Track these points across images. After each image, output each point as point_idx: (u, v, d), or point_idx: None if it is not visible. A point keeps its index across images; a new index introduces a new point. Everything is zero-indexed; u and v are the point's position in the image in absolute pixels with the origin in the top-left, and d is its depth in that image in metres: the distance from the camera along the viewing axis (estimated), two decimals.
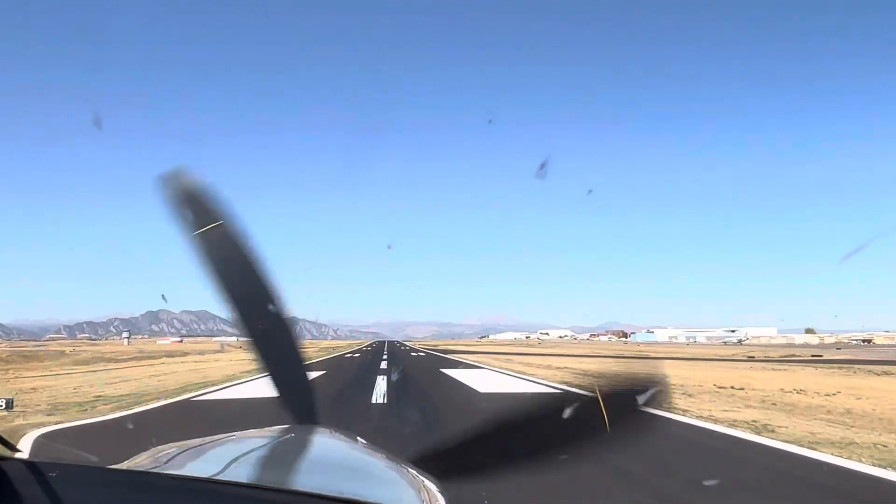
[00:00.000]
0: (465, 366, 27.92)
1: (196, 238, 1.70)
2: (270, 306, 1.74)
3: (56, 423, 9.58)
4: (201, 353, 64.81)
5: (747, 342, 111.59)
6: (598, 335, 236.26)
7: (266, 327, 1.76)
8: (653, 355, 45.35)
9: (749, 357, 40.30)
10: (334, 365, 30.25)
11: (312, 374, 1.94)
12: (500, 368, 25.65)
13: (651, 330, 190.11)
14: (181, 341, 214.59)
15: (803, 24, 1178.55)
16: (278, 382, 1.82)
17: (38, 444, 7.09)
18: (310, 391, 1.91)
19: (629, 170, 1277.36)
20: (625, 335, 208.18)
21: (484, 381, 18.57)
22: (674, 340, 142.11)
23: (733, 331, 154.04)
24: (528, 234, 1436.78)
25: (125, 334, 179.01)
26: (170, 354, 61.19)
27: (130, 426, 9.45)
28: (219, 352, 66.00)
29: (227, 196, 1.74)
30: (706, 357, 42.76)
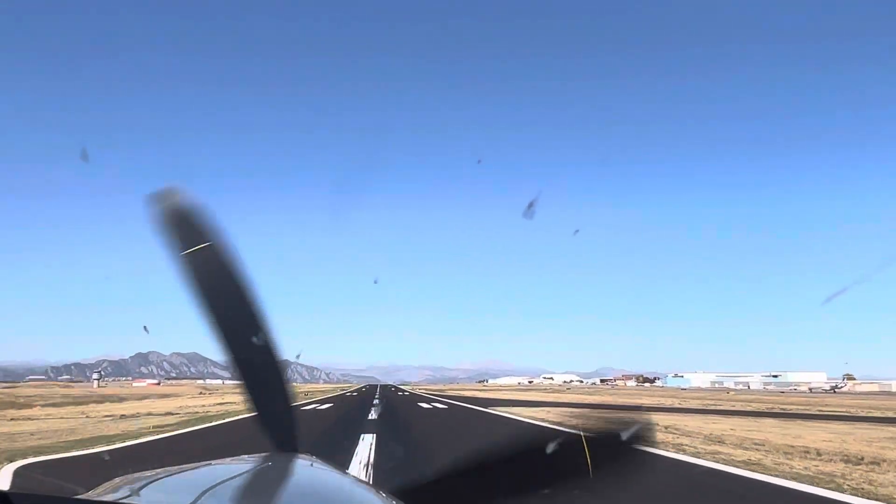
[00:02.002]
0: None
1: (183, 259, 1.64)
2: (256, 330, 1.69)
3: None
4: (121, 398, 52.85)
5: (843, 389, 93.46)
6: (614, 380, 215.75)
7: (251, 352, 1.69)
8: (885, 414, 29.10)
9: None
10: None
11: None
12: None
13: (680, 374, 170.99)
14: (159, 384, 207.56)
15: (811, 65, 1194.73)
16: (260, 408, 1.75)
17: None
18: (292, 419, 1.83)
19: (614, 213, 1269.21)
20: (647, 380, 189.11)
21: None
22: (718, 387, 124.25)
23: (775, 375, 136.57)
24: (520, 280, 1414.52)
25: (95, 376, 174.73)
26: (100, 401, 49.96)
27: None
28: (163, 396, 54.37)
29: (221, 219, 1.69)
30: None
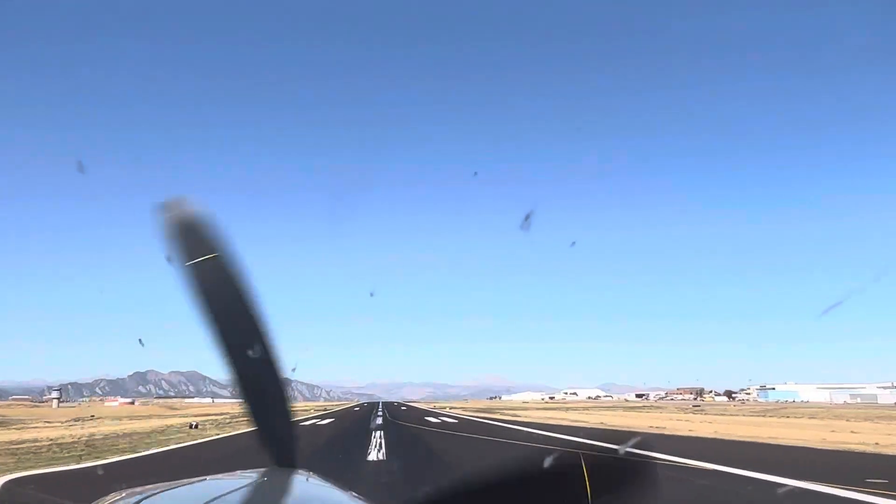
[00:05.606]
0: None
1: (188, 269, 1.64)
2: (259, 344, 1.68)
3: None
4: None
5: None
6: (667, 394, 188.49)
7: (254, 364, 1.68)
8: None
9: None
10: None
11: None
12: None
13: (769, 386, 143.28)
14: (133, 403, 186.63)
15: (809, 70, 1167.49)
16: (260, 421, 1.75)
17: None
18: (292, 434, 1.83)
19: (617, 224, 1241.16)
20: (718, 394, 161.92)
21: None
22: (851, 403, 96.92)
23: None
24: (521, 293, 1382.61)
25: (54, 395, 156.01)
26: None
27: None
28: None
29: (228, 231, 1.70)
30: None
